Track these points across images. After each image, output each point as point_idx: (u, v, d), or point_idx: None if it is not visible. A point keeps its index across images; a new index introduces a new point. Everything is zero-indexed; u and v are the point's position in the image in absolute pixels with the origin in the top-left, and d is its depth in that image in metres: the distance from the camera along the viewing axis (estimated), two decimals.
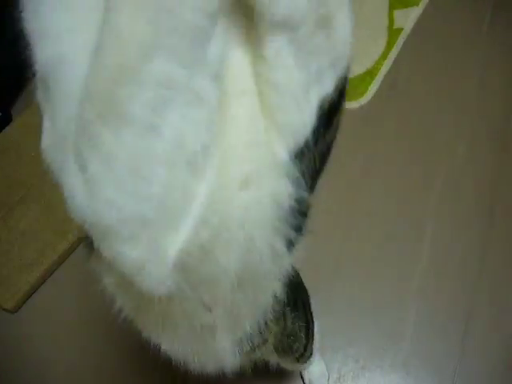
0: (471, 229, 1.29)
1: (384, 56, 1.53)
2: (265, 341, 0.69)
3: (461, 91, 1.48)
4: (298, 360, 0.93)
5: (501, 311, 1.19)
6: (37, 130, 1.44)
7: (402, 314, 1.19)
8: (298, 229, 0.47)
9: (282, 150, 0.41)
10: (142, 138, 0.33)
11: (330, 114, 0.42)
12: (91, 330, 1.19)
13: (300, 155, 0.42)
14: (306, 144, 0.42)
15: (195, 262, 0.41)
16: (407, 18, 1.59)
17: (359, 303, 1.21)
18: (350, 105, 1.44)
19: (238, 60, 0.39)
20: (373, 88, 1.48)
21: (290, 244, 0.48)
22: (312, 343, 0.96)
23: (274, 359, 0.87)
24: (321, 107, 0.40)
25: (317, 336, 0.97)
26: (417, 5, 1.61)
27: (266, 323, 0.60)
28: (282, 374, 1.13)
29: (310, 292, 1.21)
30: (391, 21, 1.59)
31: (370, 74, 1.50)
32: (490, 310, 1.19)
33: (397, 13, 1.60)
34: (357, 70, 1.50)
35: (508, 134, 1.41)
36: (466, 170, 1.36)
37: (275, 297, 0.56)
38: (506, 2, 1.60)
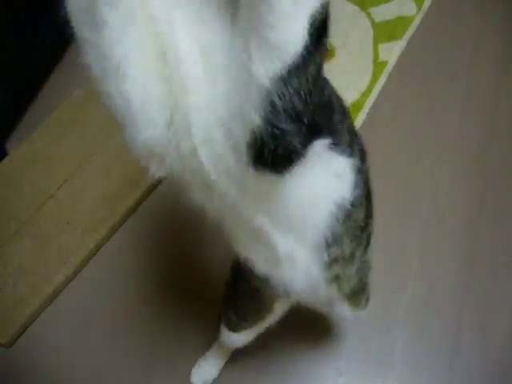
0: (456, 254, 1.33)
1: (370, 89, 1.58)
2: (347, 259, 0.72)
3: (444, 121, 1.53)
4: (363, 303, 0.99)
5: (486, 336, 1.22)
6: (31, 166, 1.47)
7: (389, 342, 1.22)
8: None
9: (261, 68, 0.43)
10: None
11: (320, 33, 0.44)
12: (87, 365, 1.21)
13: (288, 74, 0.43)
14: (297, 62, 0.43)
15: None
16: (391, 52, 1.65)
17: (349, 333, 1.24)
18: None
19: None
20: (359, 120, 1.53)
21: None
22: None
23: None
24: (312, 24, 0.42)
25: None
26: (400, 38, 1.67)
27: (336, 237, 0.64)
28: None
29: (300, 326, 1.24)
30: (376, 54, 1.65)
31: (357, 106, 1.55)
32: (475, 335, 1.22)
33: (381, 46, 1.66)
34: None
35: (487, 160, 1.46)
36: (450, 196, 1.41)
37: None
38: (487, 35, 1.67)
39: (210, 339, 1.16)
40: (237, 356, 1.18)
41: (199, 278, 1.30)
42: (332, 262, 0.68)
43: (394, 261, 1.32)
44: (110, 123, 1.59)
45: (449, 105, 1.56)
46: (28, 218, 1.35)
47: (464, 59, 1.63)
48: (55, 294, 1.28)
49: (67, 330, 1.26)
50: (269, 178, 0.50)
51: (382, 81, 1.60)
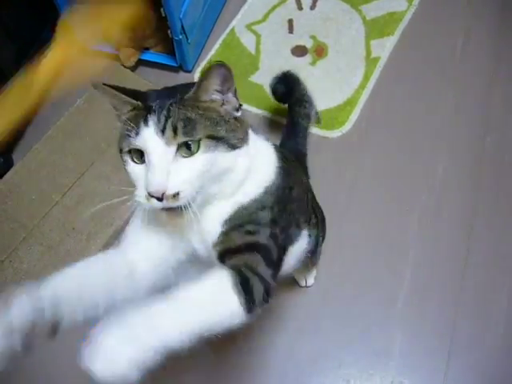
0: (452, 245, 1.35)
1: (363, 85, 1.60)
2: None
3: (437, 115, 1.55)
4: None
5: (482, 327, 1.24)
6: (36, 174, 1.52)
7: (389, 334, 1.25)
8: None
9: None
10: None
11: None
12: None
13: None
14: None
15: None
16: (383, 48, 1.67)
17: (349, 325, 1.26)
18: (332, 133, 1.51)
19: None
20: (353, 116, 1.55)
21: None
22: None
23: None
24: None
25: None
26: (392, 34, 1.69)
27: None
28: None
29: (302, 317, 1.27)
30: (368, 51, 1.66)
31: (350, 103, 1.57)
32: (472, 326, 1.24)
33: (373, 43, 1.68)
34: (338, 100, 1.58)
35: (483, 155, 1.47)
36: (445, 191, 1.42)
37: None
38: (477, 28, 1.68)
39: None
40: (237, 356, 1.23)
41: None
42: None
43: (391, 254, 1.35)
44: (110, 132, 1.66)
45: (442, 97, 1.57)
46: (35, 224, 1.41)
47: (455, 52, 1.64)
48: None
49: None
50: None
51: (374, 77, 1.61)
